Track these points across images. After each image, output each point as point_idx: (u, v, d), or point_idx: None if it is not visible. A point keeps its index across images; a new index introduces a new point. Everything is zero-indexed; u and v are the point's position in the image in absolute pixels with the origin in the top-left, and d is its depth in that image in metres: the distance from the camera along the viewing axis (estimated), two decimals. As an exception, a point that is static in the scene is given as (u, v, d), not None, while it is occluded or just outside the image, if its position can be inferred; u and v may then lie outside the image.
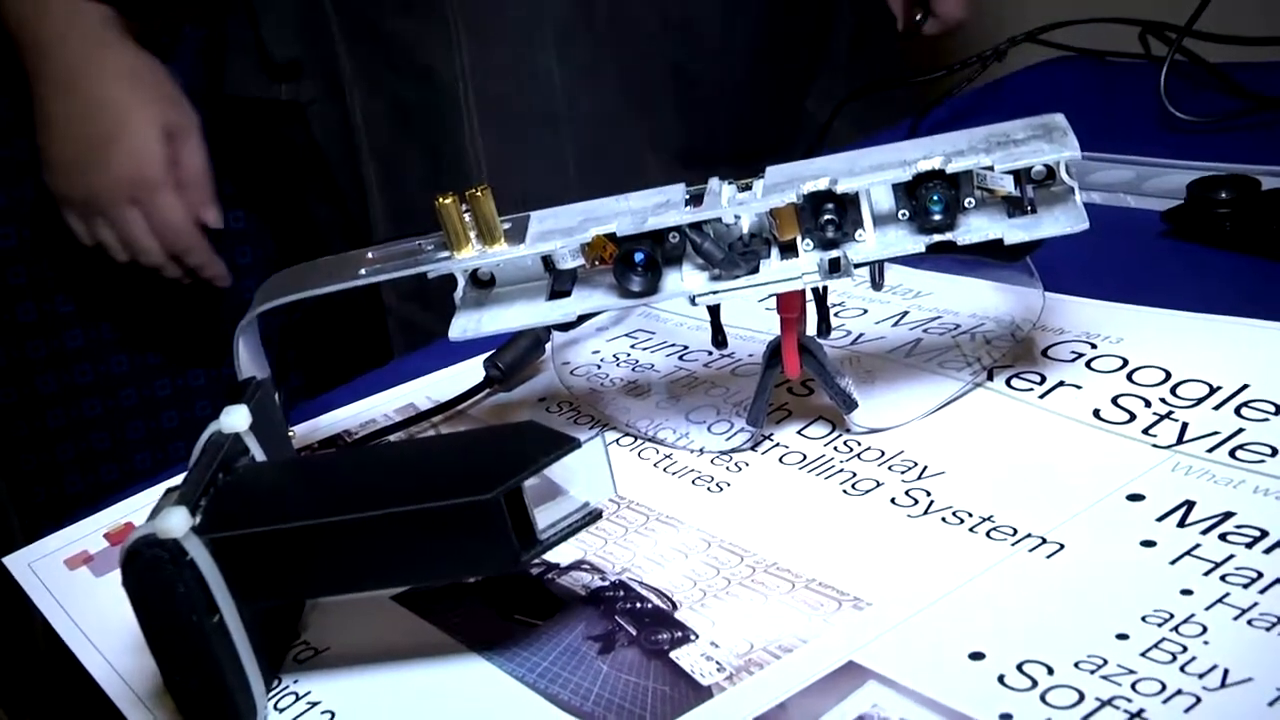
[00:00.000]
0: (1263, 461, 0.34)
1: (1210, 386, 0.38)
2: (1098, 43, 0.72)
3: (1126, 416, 0.37)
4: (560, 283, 0.38)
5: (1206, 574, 0.30)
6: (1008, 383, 0.40)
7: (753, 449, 0.40)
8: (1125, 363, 0.40)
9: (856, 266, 0.36)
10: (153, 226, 0.78)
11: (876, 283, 0.49)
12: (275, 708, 0.33)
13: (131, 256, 0.80)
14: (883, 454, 0.38)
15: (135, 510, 0.44)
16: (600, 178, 0.71)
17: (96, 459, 0.98)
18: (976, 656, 0.29)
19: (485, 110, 0.71)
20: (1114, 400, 0.38)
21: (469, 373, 0.49)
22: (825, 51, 0.81)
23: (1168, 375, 0.39)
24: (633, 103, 0.73)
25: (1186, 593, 0.30)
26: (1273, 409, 0.36)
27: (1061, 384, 0.40)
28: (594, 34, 0.71)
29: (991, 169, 0.34)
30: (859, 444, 0.39)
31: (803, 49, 0.79)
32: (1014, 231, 0.35)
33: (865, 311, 0.48)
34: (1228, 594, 0.29)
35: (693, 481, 0.39)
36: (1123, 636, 0.29)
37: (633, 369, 0.47)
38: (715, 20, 0.74)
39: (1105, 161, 0.55)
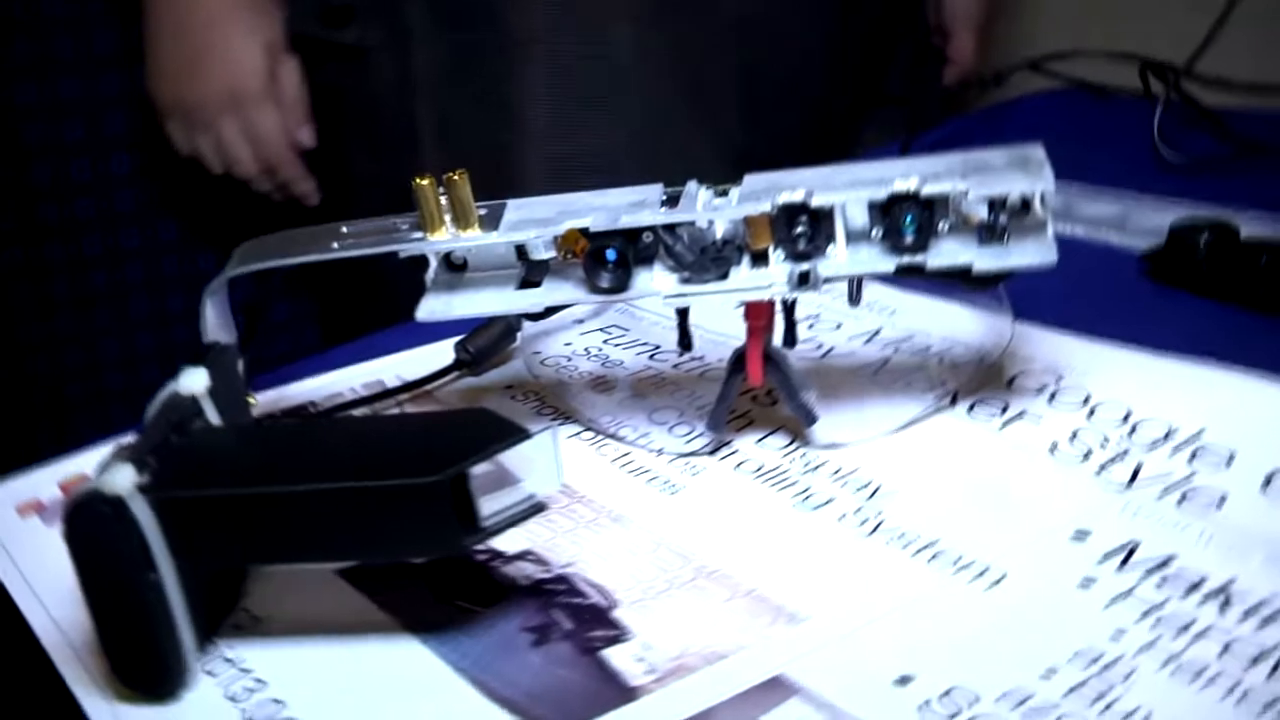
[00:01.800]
0: (1210, 510, 0.34)
1: (1169, 429, 0.38)
2: (1099, 76, 0.72)
3: (1083, 453, 0.38)
4: (532, 273, 0.38)
5: (1141, 617, 0.30)
6: (970, 409, 0.41)
7: (710, 454, 0.40)
8: (1088, 399, 0.40)
9: (826, 281, 0.36)
10: (248, 139, 0.79)
11: (854, 298, 0.49)
12: (207, 672, 0.33)
13: (225, 168, 0.81)
14: (838, 470, 0.38)
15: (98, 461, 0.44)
16: (651, 159, 0.72)
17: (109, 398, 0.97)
18: (903, 680, 0.29)
19: (551, 74, 0.71)
20: (1072, 436, 0.38)
21: (440, 354, 0.49)
22: (884, 85, 0.82)
23: (1128, 415, 0.39)
24: (695, 91, 0.74)
25: (1119, 634, 0.30)
26: (1226, 457, 0.36)
27: (1023, 414, 0.40)
28: (670, 16, 0.72)
29: (966, 195, 0.34)
30: (816, 458, 0.39)
31: (864, 78, 0.80)
32: (983, 260, 0.35)
33: (840, 325, 0.48)
34: (1159, 639, 0.30)
35: (648, 481, 0.39)
36: (1050, 672, 0.29)
37: (602, 364, 0.47)
38: (787, 27, 0.75)
39: (1092, 195, 0.55)
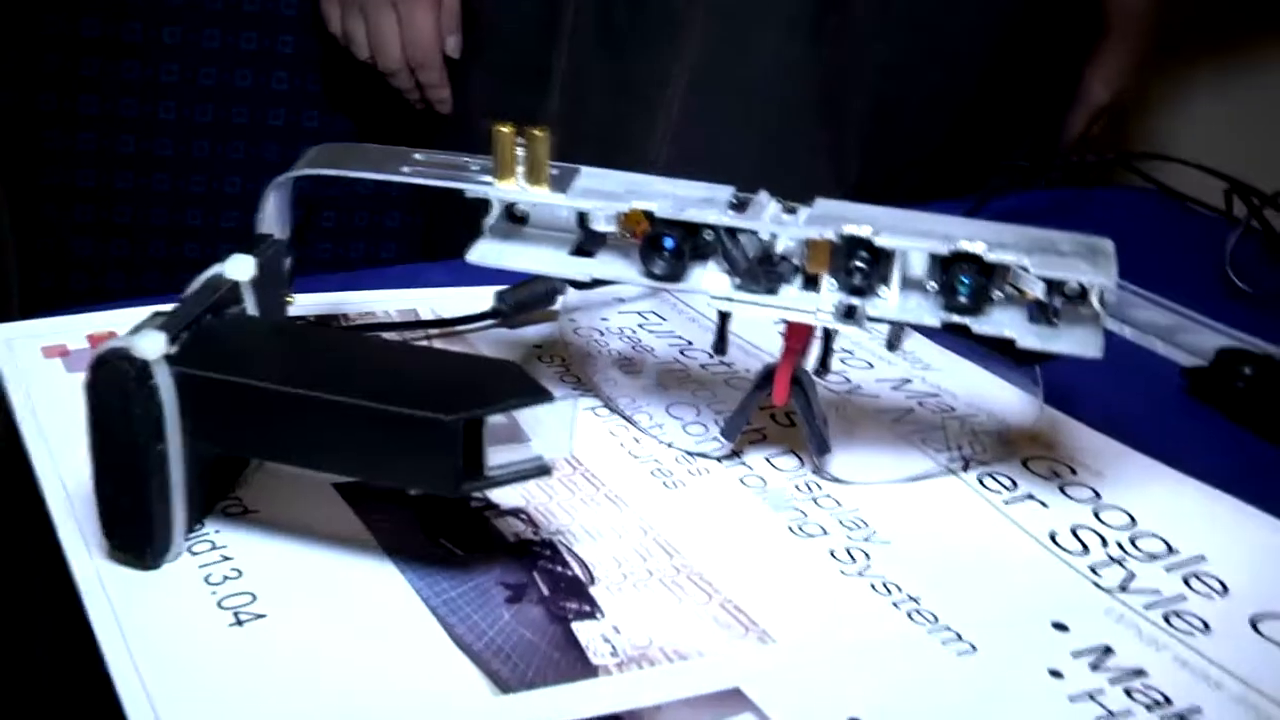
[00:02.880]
0: (1192, 634, 0.34)
1: (1169, 547, 0.38)
2: (1183, 186, 0.72)
3: (1080, 548, 0.38)
4: (589, 242, 0.39)
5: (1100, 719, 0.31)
6: (980, 480, 0.41)
7: (719, 460, 0.40)
8: (1098, 497, 0.40)
9: (870, 320, 0.36)
10: (401, 33, 0.81)
11: (893, 344, 0.50)
12: (190, 549, 0.33)
13: (371, 57, 0.83)
14: (838, 505, 0.39)
15: (130, 322, 0.44)
16: (772, 168, 0.72)
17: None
18: (855, 723, 0.29)
19: (694, 61, 0.72)
20: (1074, 529, 0.38)
21: (479, 299, 0.49)
22: (1016, 149, 0.82)
23: (1133, 522, 0.39)
24: (829, 114, 0.74)
25: (1074, 731, 0.30)
26: (1220, 588, 0.36)
27: (1030, 497, 0.40)
28: (822, 36, 0.72)
29: (1027, 270, 0.34)
30: (819, 488, 0.39)
31: (995, 138, 0.80)
32: (1028, 337, 0.35)
33: (871, 366, 0.48)
34: (1112, 745, 0.30)
35: (652, 471, 0.39)
36: (998, 751, 0.29)
37: (633, 347, 0.47)
38: (932, 78, 0.75)
39: (1148, 301, 0.55)
